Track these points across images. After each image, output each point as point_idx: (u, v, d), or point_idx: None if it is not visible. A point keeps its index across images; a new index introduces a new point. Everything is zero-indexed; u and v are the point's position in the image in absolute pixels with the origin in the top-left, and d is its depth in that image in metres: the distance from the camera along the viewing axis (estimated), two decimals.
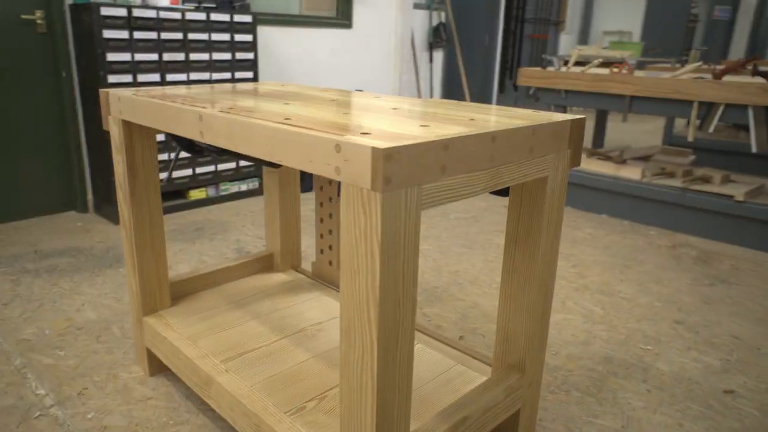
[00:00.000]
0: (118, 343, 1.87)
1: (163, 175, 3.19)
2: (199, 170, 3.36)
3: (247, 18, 3.36)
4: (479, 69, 6.24)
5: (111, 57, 2.84)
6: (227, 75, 3.37)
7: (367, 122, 1.01)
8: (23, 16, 2.91)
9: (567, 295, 2.32)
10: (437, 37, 5.33)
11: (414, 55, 5.10)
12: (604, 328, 2.07)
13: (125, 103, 1.40)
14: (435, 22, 5.31)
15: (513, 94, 7.39)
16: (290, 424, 1.19)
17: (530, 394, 1.33)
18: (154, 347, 1.60)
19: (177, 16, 3.05)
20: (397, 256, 0.85)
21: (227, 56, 3.33)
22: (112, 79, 2.87)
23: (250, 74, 3.48)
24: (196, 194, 3.39)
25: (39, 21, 2.95)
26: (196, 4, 3.26)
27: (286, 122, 0.99)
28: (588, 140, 5.74)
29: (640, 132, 6.82)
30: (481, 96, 6.30)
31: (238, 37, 3.36)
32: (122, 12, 2.83)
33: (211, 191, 3.47)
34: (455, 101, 1.39)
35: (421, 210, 0.89)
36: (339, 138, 0.85)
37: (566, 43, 8.99)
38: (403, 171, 0.82)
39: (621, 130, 6.91)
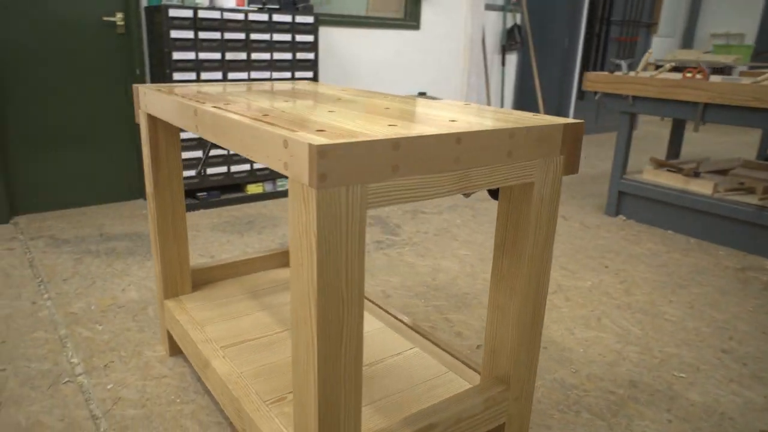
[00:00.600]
0: (150, 324, 1.99)
1: (189, 173, 3.35)
2: (256, 166, 3.50)
3: (309, 19, 3.45)
4: (556, 73, 6.03)
5: (177, 56, 3.02)
6: (287, 74, 3.48)
7: (338, 120, 1.02)
8: (105, 18, 3.16)
9: (605, 312, 2.20)
10: (511, 39, 5.21)
11: (484, 57, 5.02)
12: (637, 349, 1.94)
13: (149, 97, 1.49)
14: (509, 24, 5.20)
15: (594, 100, 7.07)
16: (266, 413, 1.21)
17: (518, 409, 1.28)
18: (171, 329, 1.69)
19: (240, 17, 3.19)
20: (338, 253, 0.85)
21: (288, 56, 3.44)
22: (177, 76, 3.06)
23: (309, 74, 3.57)
24: (253, 189, 3.53)
25: (119, 22, 3.20)
26: (260, 6, 3.40)
27: (258, 119, 1.02)
28: (663, 150, 5.36)
29: (736, 144, 6.30)
30: (558, 102, 6.09)
31: (299, 38, 3.46)
32: (188, 13, 3.01)
33: (268, 186, 3.60)
34: (460, 103, 1.36)
35: (371, 208, 0.89)
36: (288, 134, 0.86)
37: (662, 46, 8.48)
38: (342, 168, 0.82)
39: (712, 141, 6.42)
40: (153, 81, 3.28)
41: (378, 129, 0.93)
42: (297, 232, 0.87)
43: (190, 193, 3.38)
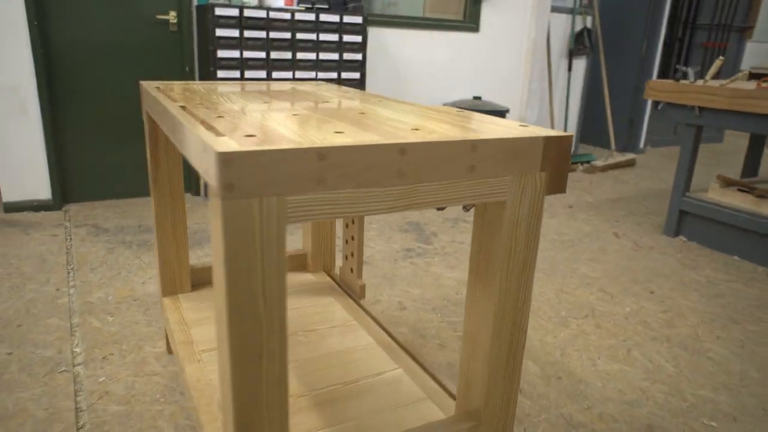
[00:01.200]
0: (159, 319, 2.00)
1: None
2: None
3: (357, 19, 3.41)
4: (631, 81, 5.67)
5: (221, 54, 3.06)
6: (333, 75, 3.45)
7: (284, 125, 0.94)
8: (158, 16, 3.26)
9: (637, 344, 1.99)
10: (579, 43, 4.94)
11: (549, 62, 4.78)
12: (665, 389, 1.74)
13: (146, 95, 1.48)
14: (578, 27, 4.93)
15: (679, 110, 6.59)
16: (219, 425, 1.16)
17: None
18: (166, 327, 1.69)
19: (287, 16, 3.20)
20: (253, 271, 0.78)
21: (334, 56, 3.41)
22: (221, 74, 3.10)
23: (356, 75, 3.53)
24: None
25: (172, 20, 3.29)
26: (309, 5, 3.39)
27: (206, 121, 0.96)
28: (737, 168, 4.87)
29: None
30: (631, 111, 5.72)
31: (347, 38, 3.42)
32: (234, 12, 3.04)
33: None
34: (454, 110, 1.25)
35: (291, 223, 0.81)
36: (208, 138, 0.80)
37: (758, 53, 7.79)
38: (254, 178, 0.74)
39: None
40: (201, 78, 3.35)
41: (316, 136, 0.85)
42: (215, 246, 0.80)
43: None
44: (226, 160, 0.72)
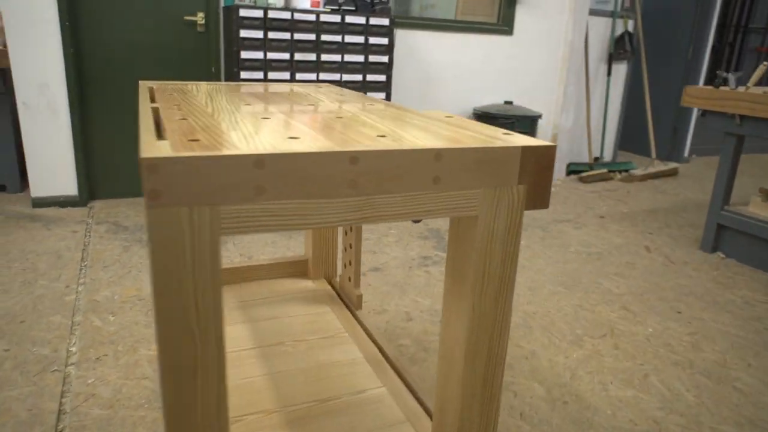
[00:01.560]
0: None
1: None
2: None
3: (384, 21, 3.35)
4: (676, 86, 5.41)
5: (245, 55, 3.06)
6: (358, 77, 3.40)
7: (241, 129, 0.89)
8: (186, 17, 3.29)
9: (656, 368, 1.86)
10: (620, 47, 4.74)
11: (586, 67, 4.61)
12: (681, 422, 1.60)
13: (143, 92, 1.46)
14: (619, 31, 4.73)
15: (719, 118, 6.26)
16: None
17: None
18: None
19: (311, 17, 3.17)
20: (183, 284, 0.73)
21: (360, 58, 3.36)
22: (244, 75, 3.10)
23: (382, 77, 3.47)
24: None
25: (200, 21, 3.31)
26: (335, 7, 3.35)
27: (173, 121, 0.92)
28: None
29: None
30: (675, 118, 5.46)
31: (373, 40, 3.37)
32: (259, 13, 3.03)
33: None
34: (441, 114, 1.17)
35: (227, 235, 0.75)
36: (149, 143, 0.75)
37: None
38: (184, 186, 0.69)
39: None
40: (226, 79, 3.36)
41: (266, 141, 0.79)
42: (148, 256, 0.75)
43: None
44: (151, 166, 0.67)
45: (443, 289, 1.00)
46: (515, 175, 0.89)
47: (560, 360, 1.88)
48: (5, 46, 3.06)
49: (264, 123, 0.96)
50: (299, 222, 0.77)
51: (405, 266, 2.60)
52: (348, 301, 1.74)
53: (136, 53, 3.24)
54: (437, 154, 0.82)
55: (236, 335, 1.53)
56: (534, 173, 0.90)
